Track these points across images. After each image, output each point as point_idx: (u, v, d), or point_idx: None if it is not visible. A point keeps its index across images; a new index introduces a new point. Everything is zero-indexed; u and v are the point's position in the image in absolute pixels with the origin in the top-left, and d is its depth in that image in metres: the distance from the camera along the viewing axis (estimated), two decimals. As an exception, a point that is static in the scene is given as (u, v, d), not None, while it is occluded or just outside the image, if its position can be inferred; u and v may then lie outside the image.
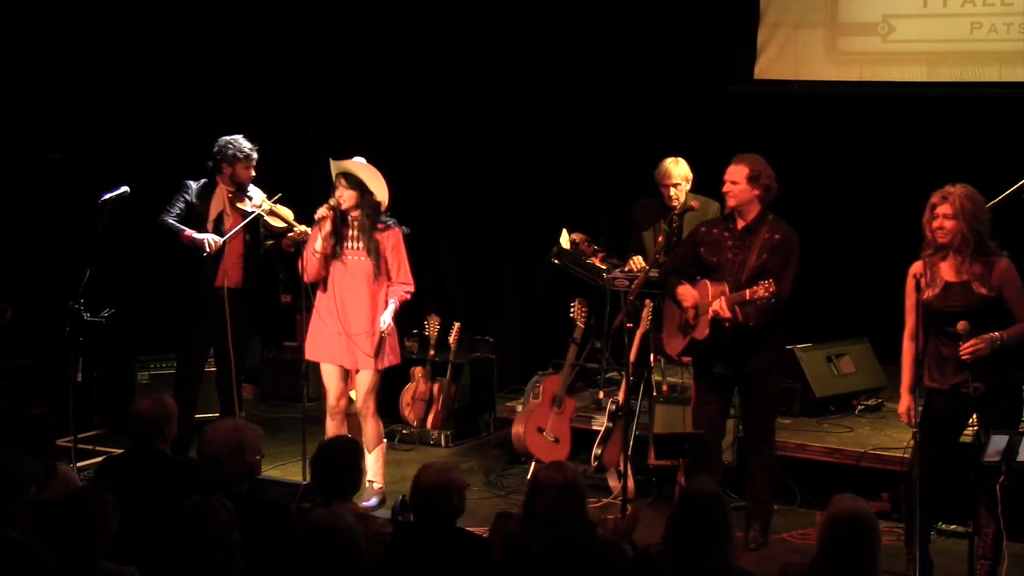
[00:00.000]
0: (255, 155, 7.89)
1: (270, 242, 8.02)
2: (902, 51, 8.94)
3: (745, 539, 6.84)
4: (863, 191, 9.29)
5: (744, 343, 6.69)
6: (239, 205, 7.91)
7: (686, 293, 6.79)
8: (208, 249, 7.73)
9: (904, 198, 8.78)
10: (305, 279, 7.40)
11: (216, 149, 7.87)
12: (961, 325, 5.96)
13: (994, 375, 5.97)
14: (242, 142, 7.87)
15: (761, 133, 9.17)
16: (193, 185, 7.90)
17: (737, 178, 6.71)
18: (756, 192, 6.71)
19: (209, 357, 8.16)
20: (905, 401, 6.21)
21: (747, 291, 6.49)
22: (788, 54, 9.22)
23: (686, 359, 7.35)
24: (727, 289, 6.62)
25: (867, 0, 9.05)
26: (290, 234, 7.90)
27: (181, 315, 7.99)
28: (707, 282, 6.72)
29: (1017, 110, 8.58)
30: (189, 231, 7.78)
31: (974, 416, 6.19)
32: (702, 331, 6.73)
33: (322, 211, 7.30)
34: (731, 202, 6.75)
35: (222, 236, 7.78)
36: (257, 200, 7.94)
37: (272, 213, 7.93)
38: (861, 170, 9.28)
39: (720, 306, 6.56)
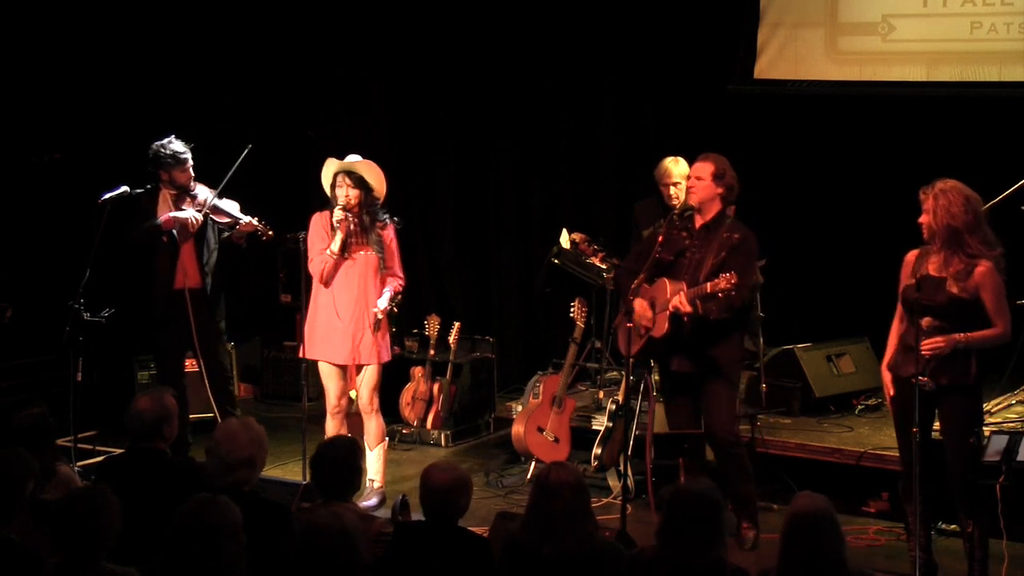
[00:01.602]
0: (187, 156, 7.85)
1: (226, 235, 8.02)
2: (902, 51, 8.89)
3: (737, 540, 6.80)
4: (863, 191, 9.24)
5: (702, 340, 6.64)
6: (184, 207, 7.90)
7: (641, 310, 6.73)
8: (192, 227, 7.79)
9: (904, 198, 8.82)
10: (320, 281, 7.40)
11: (150, 156, 7.87)
12: (926, 321, 5.98)
13: (947, 373, 5.97)
14: (172, 146, 7.85)
15: (761, 133, 9.28)
16: (139, 194, 7.91)
17: (703, 174, 6.69)
18: (719, 190, 6.68)
19: (186, 359, 8.18)
20: (885, 377, 6.25)
21: (707, 284, 6.41)
22: (788, 54, 9.18)
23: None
24: (684, 287, 6.57)
25: (867, 0, 9.02)
26: (237, 227, 7.89)
27: (147, 321, 8.05)
28: (665, 280, 6.67)
29: (1017, 110, 8.55)
30: (165, 215, 7.81)
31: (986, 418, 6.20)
32: (660, 328, 6.66)
33: (339, 214, 7.30)
34: (693, 199, 6.73)
35: (175, 240, 7.83)
36: (202, 198, 7.91)
37: (215, 210, 7.92)
38: (861, 170, 9.23)
39: (680, 301, 6.48)
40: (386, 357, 7.54)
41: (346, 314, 7.36)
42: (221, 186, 7.91)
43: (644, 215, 8.13)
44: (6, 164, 9.07)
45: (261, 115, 9.93)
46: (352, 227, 7.35)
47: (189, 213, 7.84)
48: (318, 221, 7.44)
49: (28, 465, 4.87)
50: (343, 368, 7.49)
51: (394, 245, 7.48)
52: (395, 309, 7.63)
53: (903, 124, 9.08)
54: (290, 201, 9.06)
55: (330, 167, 7.39)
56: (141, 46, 9.62)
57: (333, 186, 7.37)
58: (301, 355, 7.62)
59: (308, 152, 9.90)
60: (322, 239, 7.39)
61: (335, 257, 7.33)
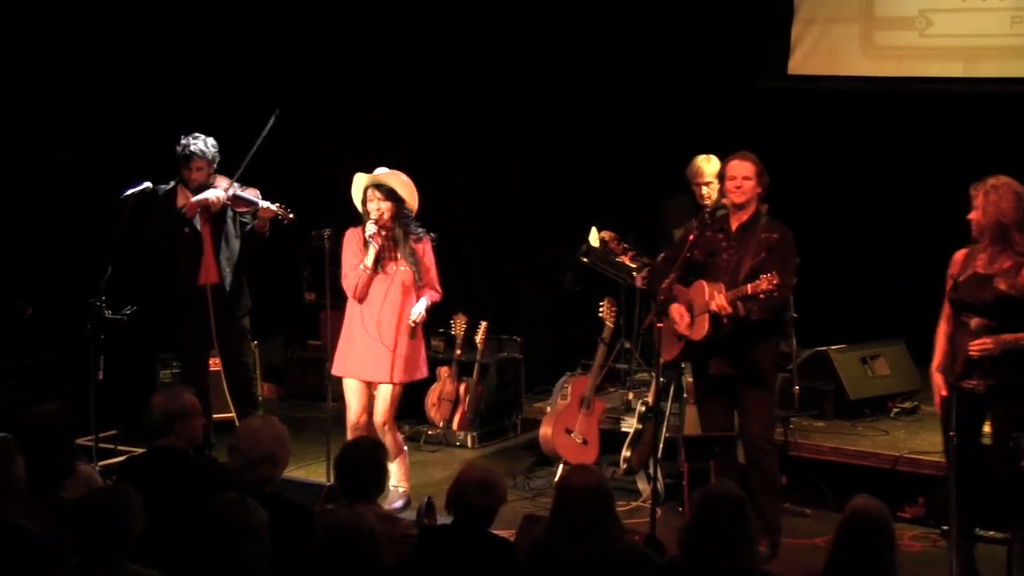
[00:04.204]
0: (195, 155, 7.81)
1: (249, 227, 7.99)
2: (940, 46, 8.84)
3: None
4: (899, 190, 9.20)
5: (741, 342, 6.56)
6: (203, 204, 7.87)
7: (678, 317, 6.66)
8: (215, 206, 7.77)
9: (941, 197, 8.85)
10: (354, 297, 7.33)
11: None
12: (975, 321, 5.92)
13: (999, 375, 5.91)
14: (188, 143, 7.83)
15: (794, 130, 9.24)
16: (161, 190, 7.91)
17: (749, 174, 6.62)
18: (759, 189, 6.63)
19: (210, 357, 8.18)
20: (935, 380, 6.17)
21: (748, 285, 6.33)
22: (822, 49, 9.14)
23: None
24: (722, 288, 6.48)
25: (904, -6, 9.01)
26: (257, 214, 7.84)
27: (169, 319, 8.08)
28: (703, 282, 6.59)
29: (1058, 107, 8.51)
30: (186, 203, 7.78)
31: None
32: (700, 331, 6.58)
33: (372, 228, 7.21)
34: (740, 198, 6.62)
35: (197, 233, 7.82)
36: (220, 191, 7.87)
37: (236, 200, 7.87)
38: (897, 168, 9.19)
39: (720, 303, 6.39)
40: (421, 374, 7.52)
41: (378, 330, 7.29)
42: (248, 158, 7.84)
43: (674, 214, 8.06)
44: (28, 160, 9.08)
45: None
46: (385, 241, 7.27)
47: (211, 192, 7.78)
48: (351, 237, 7.38)
49: (10, 449, 4.85)
50: (367, 384, 7.43)
51: (429, 259, 7.40)
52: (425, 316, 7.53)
53: (940, 122, 9.01)
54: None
55: (359, 182, 7.32)
56: (159, 43, 9.61)
57: (364, 201, 7.30)
58: (332, 372, 7.53)
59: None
60: (355, 255, 7.33)
61: (368, 272, 7.25)
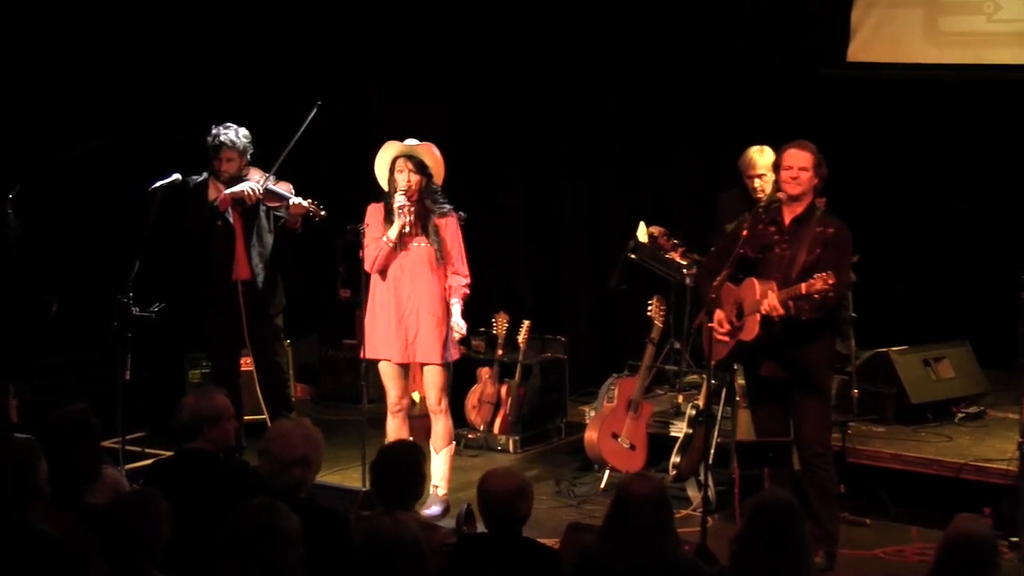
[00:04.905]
0: (222, 146, 7.76)
1: (281, 222, 7.92)
2: (1009, 31, 8.61)
3: None
4: (965, 183, 9.05)
5: (793, 343, 6.36)
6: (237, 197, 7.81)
7: (718, 323, 6.48)
8: (249, 198, 7.68)
9: (1010, 191, 8.60)
10: (371, 269, 7.24)
11: None
12: None
13: None
14: (218, 133, 7.77)
15: (854, 120, 9.09)
16: (192, 182, 7.83)
17: (807, 164, 6.42)
18: (816, 180, 6.45)
19: (242, 357, 8.13)
20: None
21: (803, 284, 6.13)
22: (884, 34, 8.94)
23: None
24: (775, 286, 6.30)
25: (971, -23, 8.90)
26: (288, 210, 7.75)
27: (199, 316, 8.05)
28: (754, 280, 6.41)
29: None
30: (219, 195, 7.71)
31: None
32: (751, 331, 6.41)
33: (401, 200, 7.11)
34: (795, 189, 6.42)
35: (230, 226, 7.75)
36: (255, 183, 7.79)
37: (268, 195, 7.79)
38: (963, 160, 9.02)
39: (772, 304, 6.20)
40: (454, 355, 7.37)
41: (403, 308, 7.21)
42: (288, 149, 7.78)
43: (727, 207, 7.85)
44: (53, 151, 9.00)
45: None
46: (410, 216, 7.16)
47: (245, 185, 7.71)
48: (374, 212, 7.29)
49: (33, 451, 4.75)
50: (404, 367, 7.34)
51: (452, 236, 7.28)
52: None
53: (1009, 112, 8.80)
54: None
55: (389, 151, 7.23)
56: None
57: (391, 171, 7.19)
58: (362, 355, 7.46)
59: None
60: (377, 229, 7.24)
61: (391, 244, 7.14)
